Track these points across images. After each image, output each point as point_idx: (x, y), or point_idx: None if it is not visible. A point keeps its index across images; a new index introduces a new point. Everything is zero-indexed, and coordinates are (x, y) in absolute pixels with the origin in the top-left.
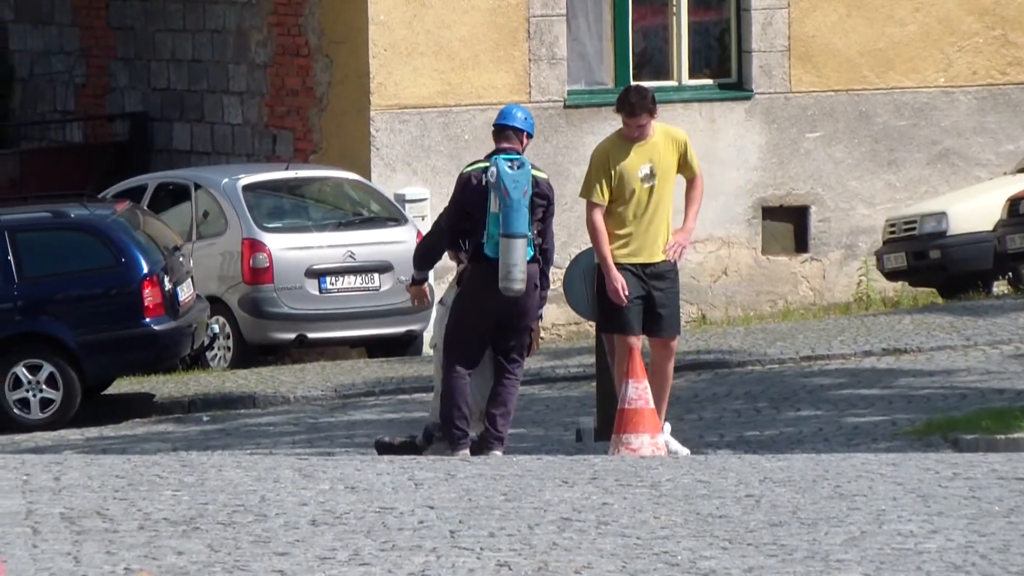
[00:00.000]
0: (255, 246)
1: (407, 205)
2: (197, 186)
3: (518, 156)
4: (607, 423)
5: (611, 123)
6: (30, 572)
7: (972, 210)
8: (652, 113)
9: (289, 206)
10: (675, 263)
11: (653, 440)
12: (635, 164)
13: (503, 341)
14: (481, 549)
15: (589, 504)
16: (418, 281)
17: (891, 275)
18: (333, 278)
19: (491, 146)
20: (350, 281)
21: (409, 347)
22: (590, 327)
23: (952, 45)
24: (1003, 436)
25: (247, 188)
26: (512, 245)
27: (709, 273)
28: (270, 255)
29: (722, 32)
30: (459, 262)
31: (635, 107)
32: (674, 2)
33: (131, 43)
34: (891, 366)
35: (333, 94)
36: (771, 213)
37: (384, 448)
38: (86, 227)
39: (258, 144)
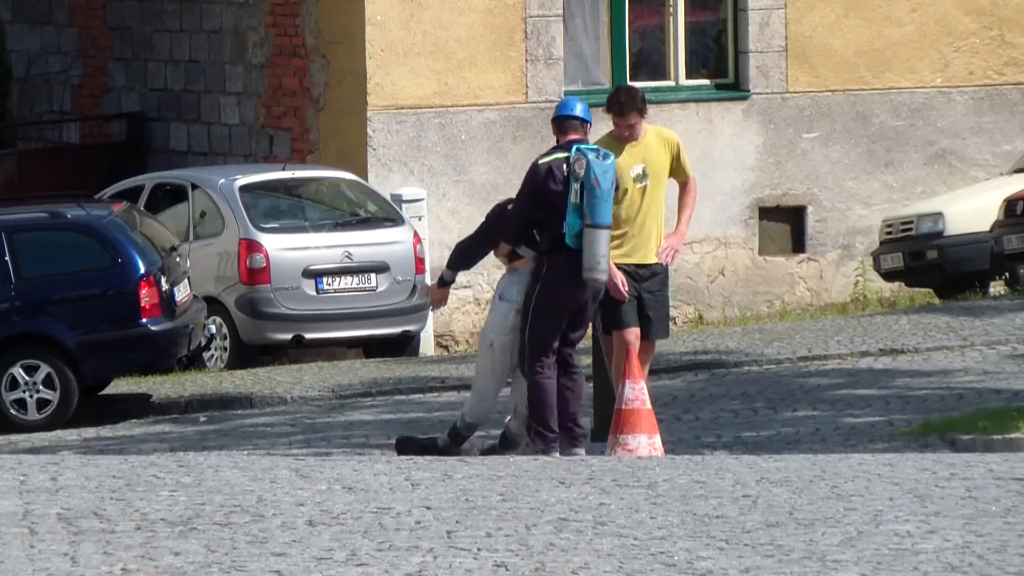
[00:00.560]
0: (252, 246)
1: (404, 205)
2: (194, 186)
3: (598, 147)
4: (604, 424)
5: (608, 124)
6: (27, 573)
7: (969, 210)
8: (642, 113)
9: (286, 206)
10: (667, 266)
11: (650, 441)
12: (627, 164)
13: (570, 332)
14: (478, 549)
15: (586, 504)
16: (447, 282)
17: (888, 275)
18: (330, 278)
19: (488, 146)
20: (347, 281)
21: (406, 347)
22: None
23: (949, 45)
24: (1000, 436)
25: (244, 188)
26: (599, 235)
27: (706, 273)
28: (267, 255)
29: (719, 32)
30: (509, 259)
31: (624, 106)
32: (671, 2)
33: (128, 43)
34: (888, 366)
35: (330, 94)
36: (768, 213)
37: (406, 446)
38: (83, 227)
39: (255, 144)
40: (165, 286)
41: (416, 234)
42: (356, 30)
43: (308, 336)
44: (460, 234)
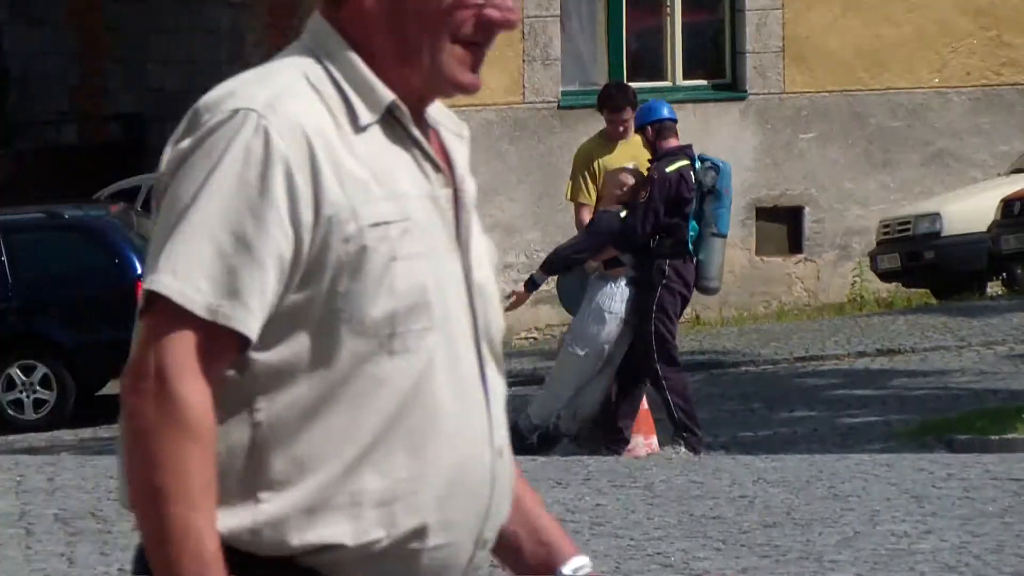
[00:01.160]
0: None
1: None
2: None
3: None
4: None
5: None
6: (24, 573)
7: (966, 211)
8: (634, 107)
9: None
10: None
11: (647, 441)
12: (619, 162)
13: None
14: None
15: (583, 505)
16: (536, 285)
17: (885, 276)
18: None
19: (485, 146)
20: None
21: None
22: None
23: (946, 46)
24: (997, 437)
25: None
26: (722, 245)
27: None
28: None
29: (716, 33)
30: (607, 266)
31: (618, 101)
32: (668, 3)
33: (125, 44)
34: (885, 367)
35: None
36: (765, 214)
37: None
38: (80, 228)
39: None
40: None
41: None
42: None
43: None
44: None
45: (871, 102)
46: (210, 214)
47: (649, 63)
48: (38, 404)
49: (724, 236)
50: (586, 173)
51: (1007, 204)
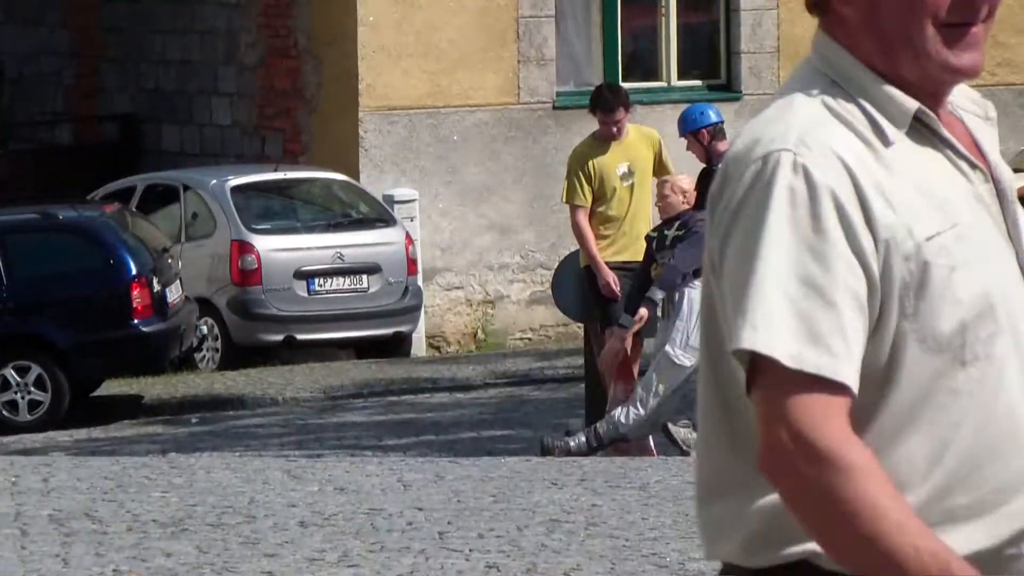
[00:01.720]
0: (244, 247)
1: (396, 206)
2: (186, 187)
3: None
4: None
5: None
6: (19, 574)
7: None
8: (627, 108)
9: (278, 207)
10: None
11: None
12: (613, 163)
13: None
14: (470, 551)
15: (578, 506)
16: (655, 303)
17: None
18: (322, 279)
19: (480, 147)
20: (339, 282)
21: (398, 349)
22: (578, 328)
23: None
24: None
25: (236, 189)
26: None
27: None
28: (258, 256)
29: (711, 33)
30: (696, 274)
31: (610, 102)
32: (663, 3)
33: (120, 44)
34: None
35: (322, 95)
36: None
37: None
38: (75, 228)
39: (247, 145)
40: (157, 287)
41: (408, 235)
42: (348, 31)
43: (300, 337)
44: (452, 235)
45: None
46: (771, 265)
47: (644, 63)
48: (33, 405)
49: None
50: (581, 175)
51: None
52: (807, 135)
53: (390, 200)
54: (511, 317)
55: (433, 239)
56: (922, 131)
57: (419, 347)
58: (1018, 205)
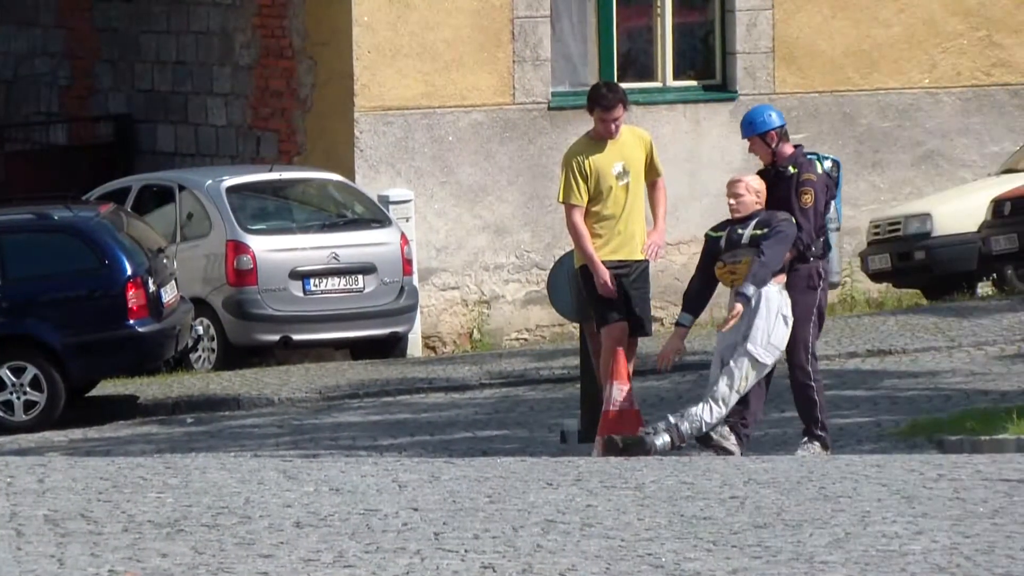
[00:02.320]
0: (239, 248)
1: (391, 207)
2: (181, 188)
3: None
4: (591, 425)
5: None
6: (14, 574)
7: (957, 211)
8: (626, 105)
9: (273, 208)
10: (647, 262)
11: None
12: (608, 162)
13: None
14: (465, 551)
15: (573, 506)
16: (748, 298)
17: (875, 276)
18: (317, 280)
19: (475, 147)
20: (334, 283)
21: (393, 349)
22: (573, 329)
23: (936, 46)
24: (987, 437)
25: (231, 190)
26: (837, 238)
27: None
28: (254, 257)
29: (706, 33)
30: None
31: (610, 100)
32: (658, 3)
33: (115, 45)
34: (876, 367)
35: (317, 96)
36: None
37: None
38: (70, 229)
39: (242, 146)
40: (152, 288)
41: (403, 235)
42: (343, 31)
43: (295, 337)
44: (447, 235)
45: (861, 103)
46: None
47: (639, 64)
48: (28, 405)
49: (839, 229)
50: (577, 174)
51: (997, 204)
52: None
53: (385, 200)
54: (506, 317)
55: (428, 239)
56: None
57: (415, 347)
58: None
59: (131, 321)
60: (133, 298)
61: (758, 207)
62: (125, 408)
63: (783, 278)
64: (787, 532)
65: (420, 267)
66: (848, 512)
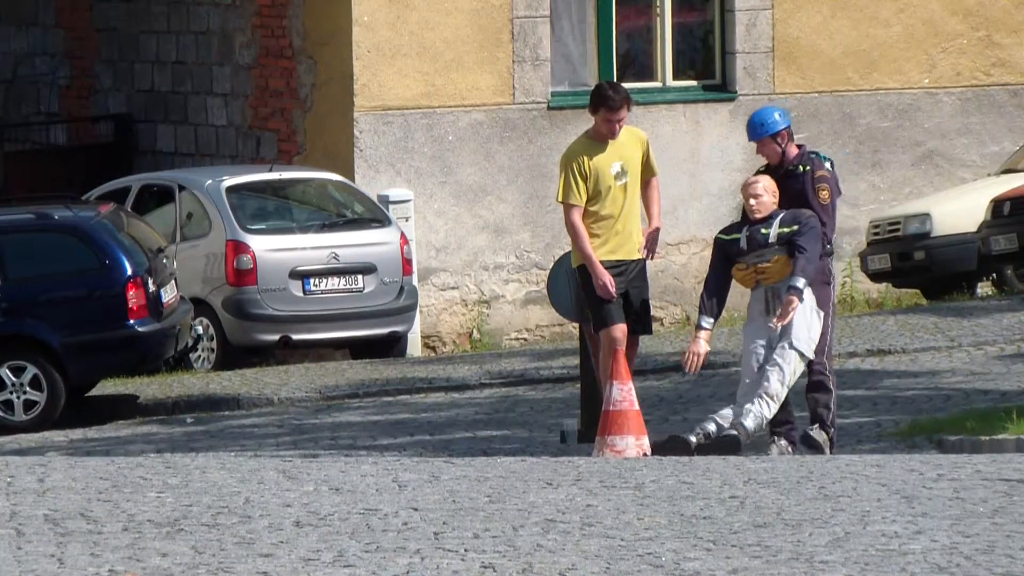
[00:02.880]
0: (239, 248)
1: (391, 206)
2: (181, 188)
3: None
4: (591, 425)
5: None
6: (14, 574)
7: (956, 211)
8: (630, 106)
9: (273, 208)
10: (645, 261)
11: (638, 442)
12: (607, 162)
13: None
14: (465, 551)
15: (573, 506)
16: (801, 292)
17: (875, 276)
18: (317, 279)
19: (475, 147)
20: (334, 283)
21: (393, 349)
22: (573, 328)
23: (936, 46)
24: (987, 437)
25: (231, 190)
26: None
27: (693, 274)
28: (254, 257)
29: (706, 33)
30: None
31: (616, 101)
32: (658, 3)
33: (115, 45)
34: (875, 367)
35: (317, 95)
36: None
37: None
38: (70, 229)
39: (242, 146)
40: (152, 287)
41: (403, 235)
42: (343, 31)
43: (295, 337)
44: (447, 235)
45: (861, 102)
46: None
47: (639, 64)
48: (28, 405)
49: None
50: (576, 174)
51: (997, 204)
52: None
53: (385, 200)
54: (506, 317)
55: (428, 239)
56: None
57: (414, 347)
58: None
59: (131, 321)
60: (133, 298)
61: (775, 207)
62: (125, 408)
63: None
64: (787, 532)
65: (420, 267)
66: (848, 512)
